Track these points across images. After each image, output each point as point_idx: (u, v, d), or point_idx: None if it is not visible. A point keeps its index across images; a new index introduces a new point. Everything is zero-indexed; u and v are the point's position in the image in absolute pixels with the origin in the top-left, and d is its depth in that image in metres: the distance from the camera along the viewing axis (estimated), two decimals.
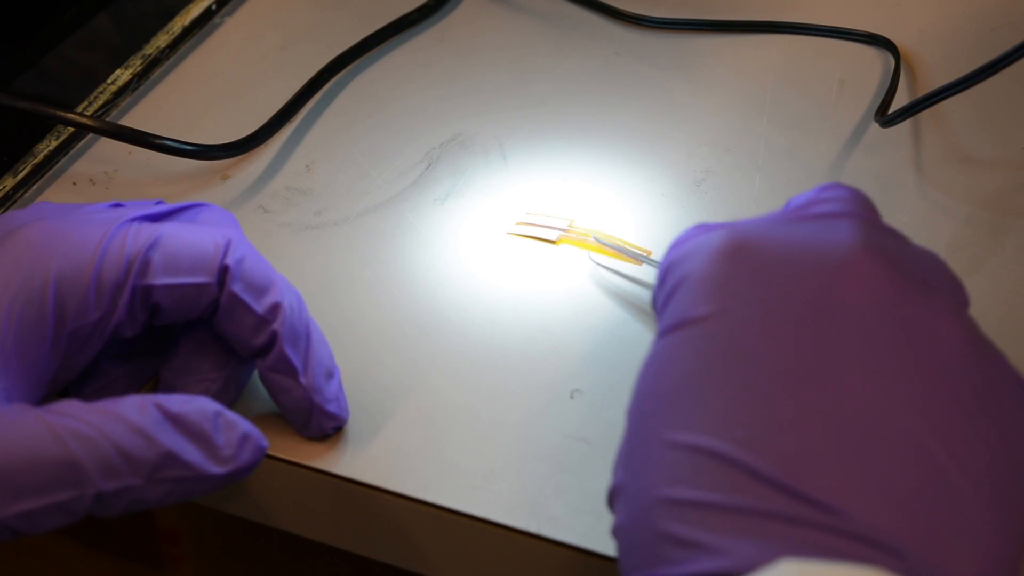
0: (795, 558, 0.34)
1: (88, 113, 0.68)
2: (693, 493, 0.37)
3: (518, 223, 0.61)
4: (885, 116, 0.62)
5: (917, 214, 0.59)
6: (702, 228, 0.44)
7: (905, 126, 0.63)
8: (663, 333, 0.42)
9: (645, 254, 0.58)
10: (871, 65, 0.69)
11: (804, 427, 0.37)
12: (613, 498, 0.40)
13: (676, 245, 0.44)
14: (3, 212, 0.64)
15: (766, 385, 0.38)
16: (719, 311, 0.40)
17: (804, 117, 0.65)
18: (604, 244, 0.58)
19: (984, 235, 0.58)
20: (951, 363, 0.39)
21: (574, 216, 0.61)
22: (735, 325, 0.40)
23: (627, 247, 0.58)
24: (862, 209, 0.44)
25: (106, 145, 0.68)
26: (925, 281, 0.41)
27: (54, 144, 0.67)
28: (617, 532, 0.40)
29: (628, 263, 0.57)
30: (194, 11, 0.76)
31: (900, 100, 0.64)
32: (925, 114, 0.63)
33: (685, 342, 0.40)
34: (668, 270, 0.44)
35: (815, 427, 0.37)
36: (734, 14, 0.73)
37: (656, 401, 0.40)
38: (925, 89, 0.65)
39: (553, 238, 0.60)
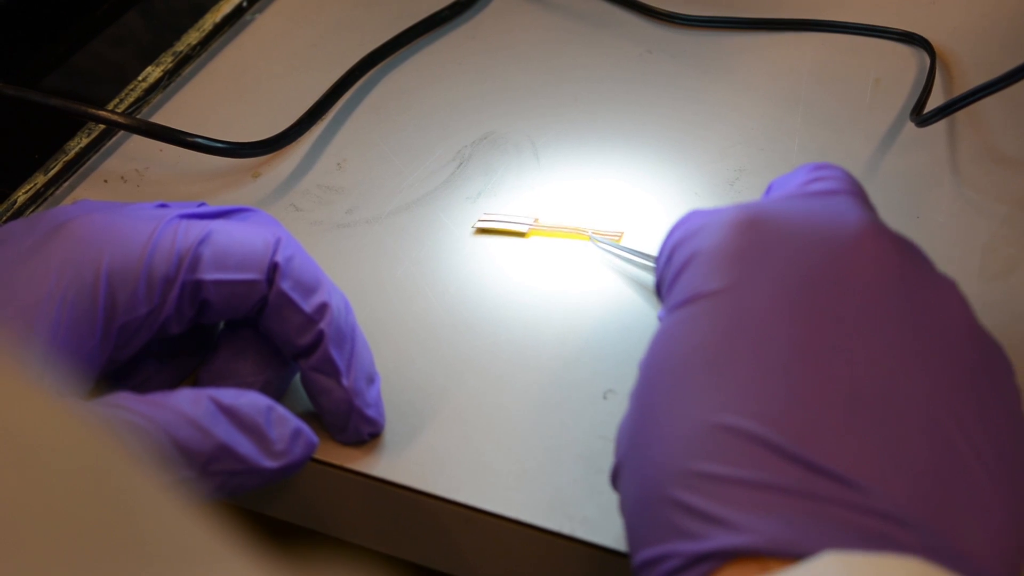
0: (838, 550, 0.34)
1: (119, 110, 0.68)
2: (711, 466, 0.36)
3: (480, 220, 0.60)
4: (921, 115, 0.61)
5: (953, 214, 0.59)
6: (698, 213, 0.44)
7: (941, 125, 0.63)
8: (674, 307, 0.41)
9: (615, 239, 0.58)
10: (906, 64, 0.68)
11: (821, 401, 0.37)
12: (617, 474, 0.40)
13: (676, 228, 0.44)
14: (35, 210, 0.64)
15: (782, 358, 0.38)
16: (733, 284, 0.40)
17: (838, 116, 0.65)
18: (577, 231, 0.59)
19: (1021, 235, 0.57)
20: (960, 340, 0.40)
21: (538, 212, 0.61)
22: (749, 298, 0.40)
23: (598, 235, 0.58)
24: (857, 188, 0.45)
25: (137, 143, 0.68)
26: (925, 259, 0.42)
27: (85, 141, 0.67)
28: (624, 506, 0.40)
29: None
30: (225, 8, 0.76)
31: (936, 99, 0.64)
32: (961, 113, 0.63)
33: (699, 315, 0.40)
34: (676, 247, 0.43)
35: (832, 401, 0.37)
36: (768, 12, 0.72)
37: (669, 374, 0.39)
38: (961, 88, 0.65)
39: (523, 231, 0.59)
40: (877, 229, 0.41)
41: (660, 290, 0.45)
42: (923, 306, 0.40)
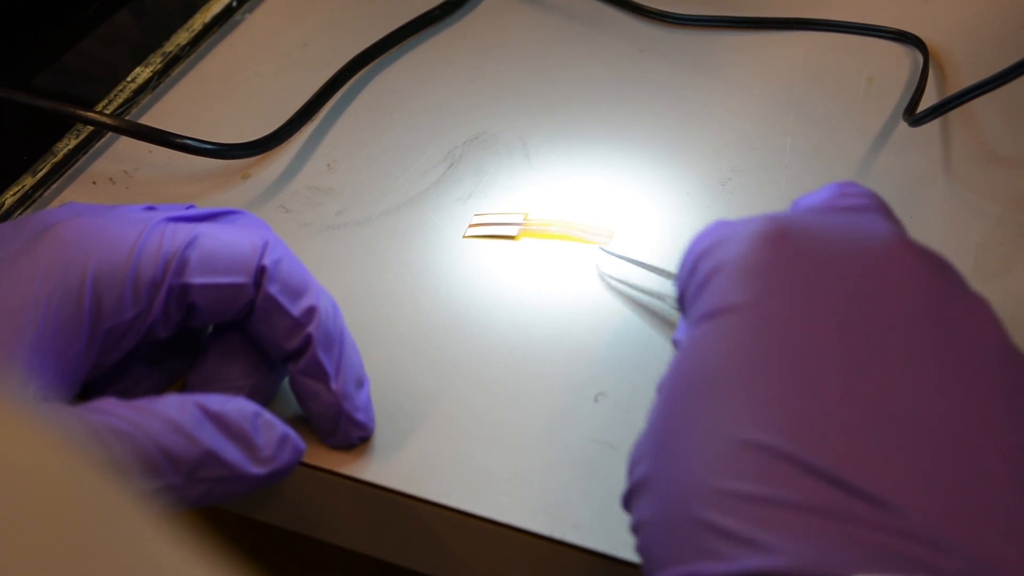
0: (868, 575, 0.33)
1: (108, 111, 0.68)
2: (742, 485, 0.35)
3: (471, 225, 0.60)
4: (914, 115, 0.61)
5: (946, 214, 0.58)
6: (723, 224, 0.44)
7: (934, 125, 0.63)
8: (699, 320, 0.40)
9: (607, 236, 0.58)
10: (899, 63, 0.68)
11: (853, 419, 0.36)
12: (635, 493, 0.39)
13: (700, 238, 0.44)
14: (23, 212, 0.64)
15: (812, 375, 0.37)
16: (760, 298, 0.39)
17: (831, 115, 0.65)
18: (568, 232, 0.58)
19: (1015, 236, 0.57)
20: (992, 358, 0.39)
21: (528, 209, 0.60)
22: (778, 313, 0.39)
23: (589, 232, 0.58)
24: (884, 206, 0.44)
25: (126, 144, 0.67)
26: (956, 276, 0.41)
27: (74, 143, 0.66)
28: (643, 526, 0.38)
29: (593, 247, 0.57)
30: (215, 8, 0.75)
31: (929, 98, 0.64)
32: (954, 113, 0.63)
33: (725, 329, 0.39)
34: (700, 257, 0.42)
35: (864, 419, 0.36)
36: (760, 11, 0.72)
37: (696, 390, 0.38)
38: (954, 87, 0.65)
39: (513, 233, 0.59)
40: (907, 244, 0.40)
41: (683, 301, 0.44)
42: (954, 323, 0.39)
